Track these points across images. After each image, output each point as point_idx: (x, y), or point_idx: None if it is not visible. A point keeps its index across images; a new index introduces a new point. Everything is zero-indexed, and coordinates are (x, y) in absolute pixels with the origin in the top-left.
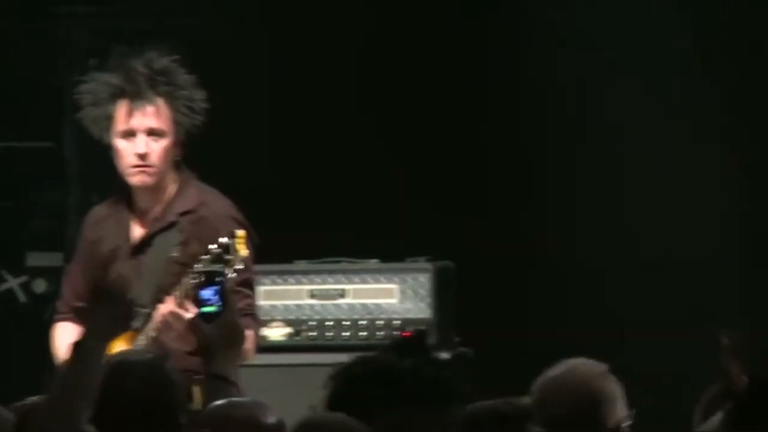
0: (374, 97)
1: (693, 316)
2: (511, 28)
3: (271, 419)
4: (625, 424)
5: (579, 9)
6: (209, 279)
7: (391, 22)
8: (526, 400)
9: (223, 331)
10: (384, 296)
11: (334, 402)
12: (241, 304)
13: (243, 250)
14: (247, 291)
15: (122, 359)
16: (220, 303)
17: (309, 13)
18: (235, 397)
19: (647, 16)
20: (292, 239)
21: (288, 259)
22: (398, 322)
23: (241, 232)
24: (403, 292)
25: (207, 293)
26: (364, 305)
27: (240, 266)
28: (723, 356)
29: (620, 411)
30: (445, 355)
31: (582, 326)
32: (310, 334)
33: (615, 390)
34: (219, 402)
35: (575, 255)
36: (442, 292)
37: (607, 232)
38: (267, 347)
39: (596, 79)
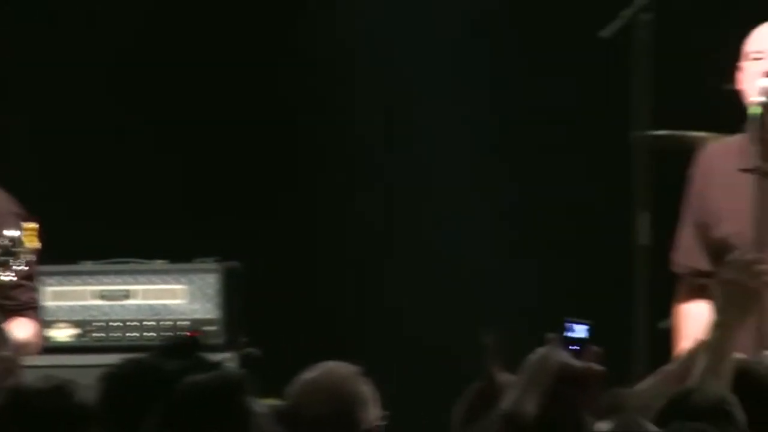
0: (157, 94)
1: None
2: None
3: None
4: (378, 424)
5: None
6: None
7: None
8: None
9: None
10: (171, 297)
11: (102, 404)
12: (24, 297)
13: (33, 242)
14: (30, 284)
15: None
16: None
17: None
18: None
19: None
20: (78, 239)
21: (73, 259)
22: (186, 322)
23: (31, 225)
24: (190, 293)
25: None
26: (151, 306)
27: (31, 258)
28: (484, 355)
29: (373, 412)
30: (231, 356)
31: (368, 326)
32: (97, 335)
33: (367, 391)
34: None
35: (363, 253)
36: (230, 293)
37: (390, 231)
38: (53, 348)
39: (385, 71)
